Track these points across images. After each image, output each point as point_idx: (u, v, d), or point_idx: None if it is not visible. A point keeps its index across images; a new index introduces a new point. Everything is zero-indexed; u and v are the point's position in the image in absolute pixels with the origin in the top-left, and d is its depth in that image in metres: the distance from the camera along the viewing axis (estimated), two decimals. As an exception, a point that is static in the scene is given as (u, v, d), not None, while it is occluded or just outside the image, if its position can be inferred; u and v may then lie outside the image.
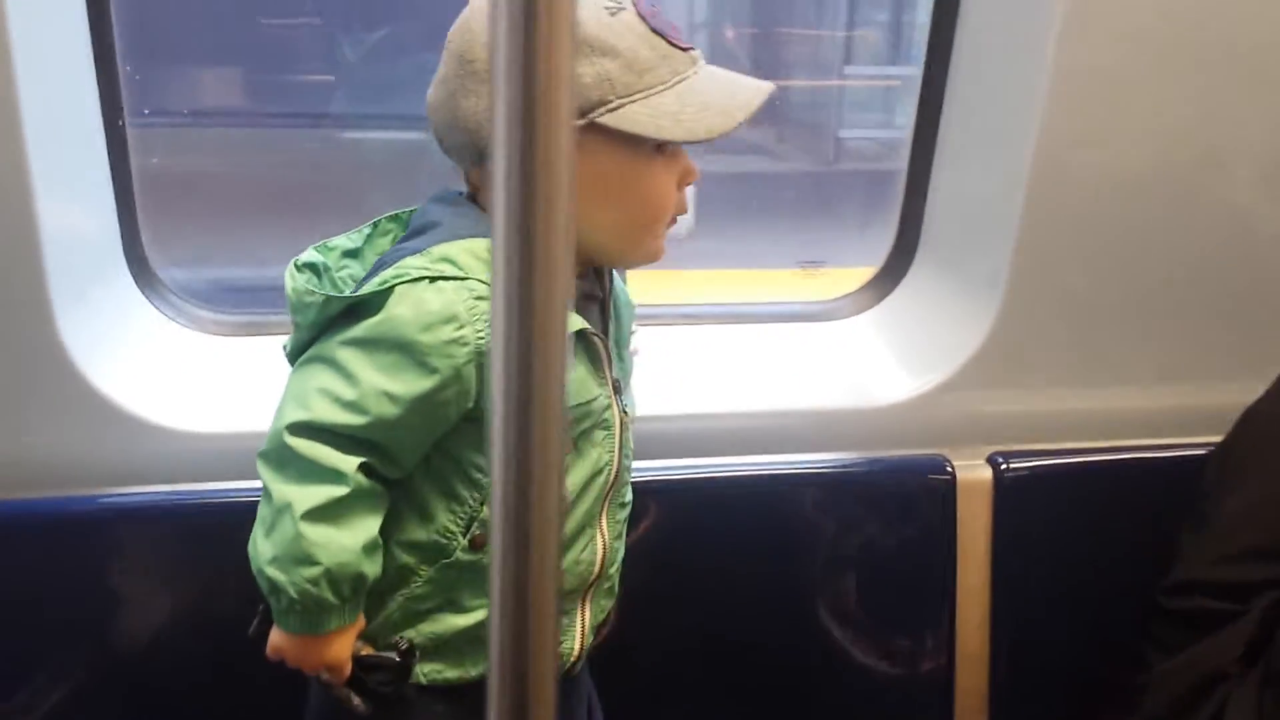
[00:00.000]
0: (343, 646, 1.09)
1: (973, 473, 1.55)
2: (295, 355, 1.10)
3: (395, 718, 1.15)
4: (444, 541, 1.11)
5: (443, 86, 1.09)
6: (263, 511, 1.06)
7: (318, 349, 1.06)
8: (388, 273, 1.04)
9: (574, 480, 1.14)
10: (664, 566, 1.48)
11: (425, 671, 1.15)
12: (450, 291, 1.03)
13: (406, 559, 1.12)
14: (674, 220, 1.15)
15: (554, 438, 0.64)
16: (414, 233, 1.12)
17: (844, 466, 1.56)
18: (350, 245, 1.17)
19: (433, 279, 1.03)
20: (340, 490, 1.03)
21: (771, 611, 1.53)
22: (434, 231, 1.09)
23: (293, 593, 1.03)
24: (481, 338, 1.02)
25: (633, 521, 1.29)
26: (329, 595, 1.04)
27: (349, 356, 1.03)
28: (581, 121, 1.04)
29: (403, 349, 1.02)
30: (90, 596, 1.36)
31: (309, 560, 1.03)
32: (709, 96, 1.07)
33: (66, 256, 1.34)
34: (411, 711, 1.16)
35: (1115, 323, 1.58)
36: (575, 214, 0.61)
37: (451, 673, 1.15)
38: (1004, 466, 1.55)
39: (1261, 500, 1.39)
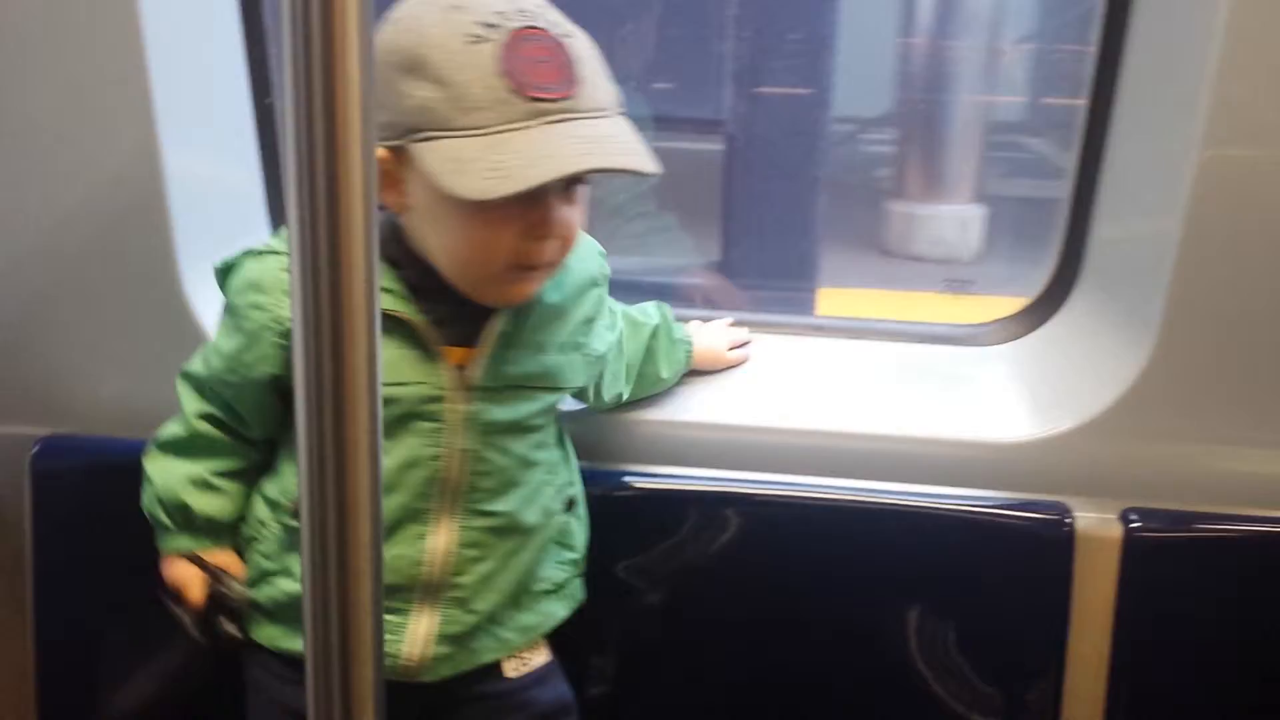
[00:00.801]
0: (182, 571, 1.21)
1: (1099, 528, 1.37)
2: None
3: (249, 680, 1.25)
4: (280, 501, 1.19)
5: None
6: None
7: None
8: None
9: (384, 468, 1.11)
10: (748, 581, 1.42)
11: (265, 636, 1.21)
12: (267, 263, 1.14)
13: (261, 513, 1.22)
14: (529, 266, 1.09)
15: (357, 415, 0.62)
16: None
17: (954, 501, 1.42)
18: None
19: (260, 253, 1.15)
20: (180, 430, 1.22)
21: (854, 644, 1.43)
22: None
23: (145, 509, 1.23)
24: (279, 306, 1.11)
25: (725, 532, 1.37)
26: (161, 516, 1.22)
27: (220, 318, 1.20)
28: (394, 142, 1.03)
29: (229, 311, 1.17)
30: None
31: (149, 481, 1.22)
32: (514, 156, 0.99)
33: (196, 218, 1.44)
34: (261, 674, 1.23)
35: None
36: (372, 193, 0.60)
37: (285, 641, 1.20)
38: (1136, 525, 1.36)
39: None
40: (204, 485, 1.21)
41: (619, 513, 1.39)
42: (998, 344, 1.61)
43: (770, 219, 2.77)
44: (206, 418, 1.20)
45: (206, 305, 1.43)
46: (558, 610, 1.28)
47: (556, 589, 1.27)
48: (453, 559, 1.16)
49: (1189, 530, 1.37)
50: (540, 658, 1.27)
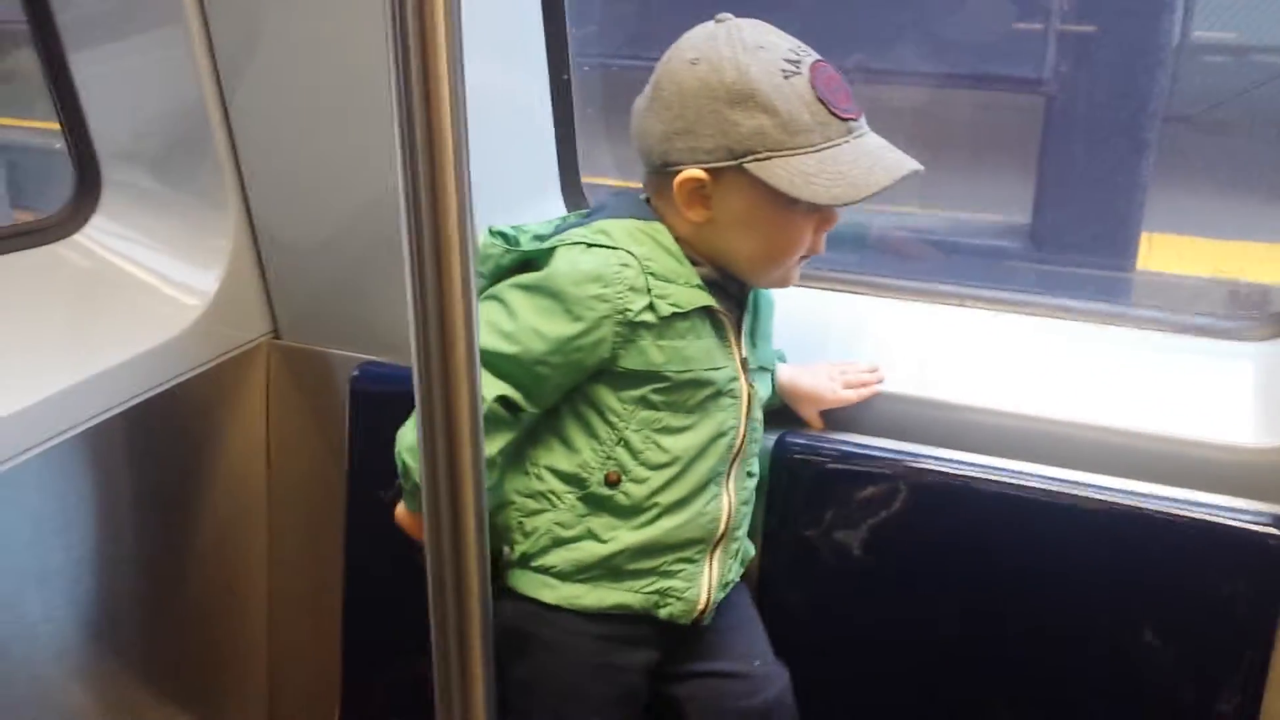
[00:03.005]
0: (412, 521, 1.35)
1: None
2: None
3: (535, 631, 1.33)
4: (584, 475, 1.29)
5: (641, 100, 1.28)
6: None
7: (493, 290, 1.29)
8: (555, 238, 1.27)
9: (698, 439, 1.29)
10: (945, 560, 1.48)
11: (564, 596, 1.31)
12: (601, 256, 1.24)
13: (553, 484, 1.31)
14: (806, 256, 1.31)
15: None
16: (587, 217, 1.33)
17: (1168, 504, 1.39)
18: (540, 231, 1.36)
19: (589, 245, 1.26)
20: None
21: (1048, 640, 1.45)
22: (600, 213, 1.31)
23: (415, 478, 1.26)
24: (621, 299, 1.22)
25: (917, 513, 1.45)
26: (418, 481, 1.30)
27: (514, 297, 1.27)
28: (732, 163, 1.22)
29: (555, 298, 1.24)
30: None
31: (411, 450, 1.27)
32: (848, 166, 1.21)
33: (495, 175, 1.66)
34: (555, 634, 1.32)
35: None
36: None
37: (588, 599, 1.31)
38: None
39: None
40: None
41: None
42: (1256, 340, 1.53)
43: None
44: (500, 399, 1.26)
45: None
46: (750, 548, 1.47)
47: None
48: (734, 514, 1.36)
49: None
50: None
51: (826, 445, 1.52)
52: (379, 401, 1.72)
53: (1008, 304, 1.66)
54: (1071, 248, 2.64)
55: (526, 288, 1.27)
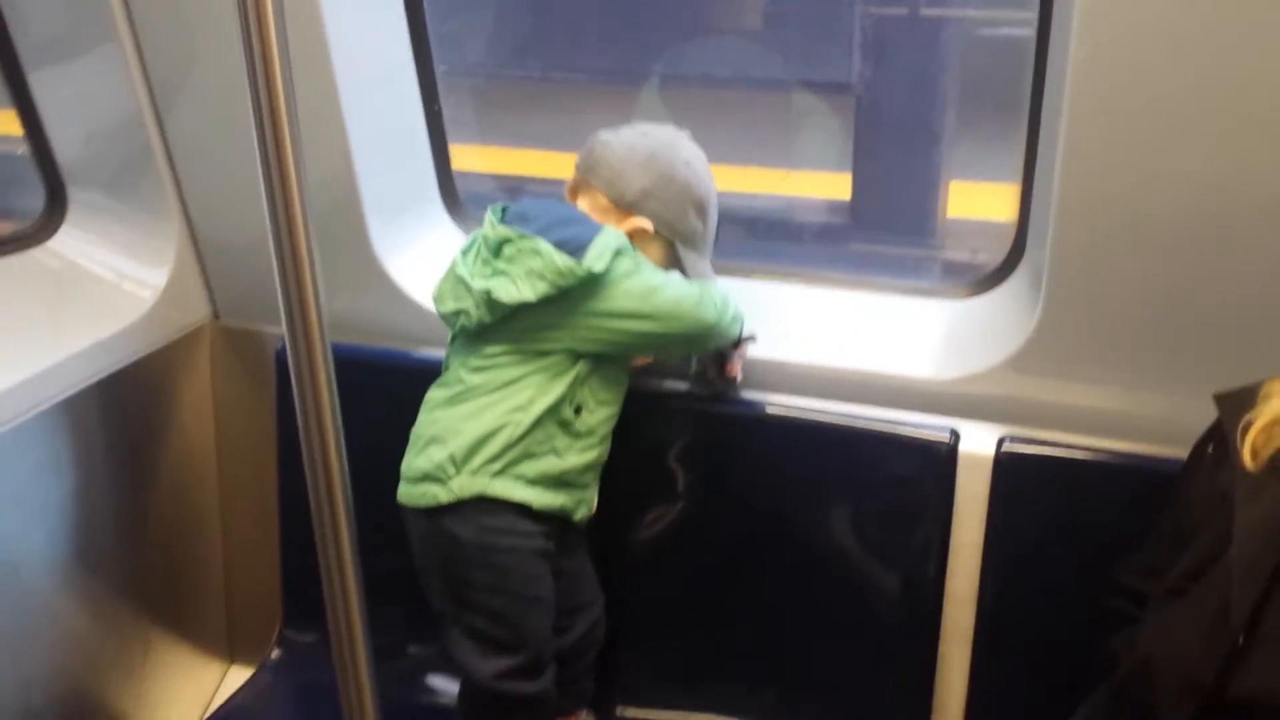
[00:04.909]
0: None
1: (980, 448, 1.85)
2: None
3: (495, 542, 1.76)
4: (556, 405, 1.77)
5: (631, 152, 1.84)
6: (710, 308, 1.81)
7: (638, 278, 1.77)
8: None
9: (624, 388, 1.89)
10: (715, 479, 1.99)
11: (525, 496, 1.75)
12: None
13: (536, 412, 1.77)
14: None
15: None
16: (567, 221, 1.78)
17: (871, 421, 1.91)
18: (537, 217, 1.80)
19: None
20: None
21: (785, 531, 1.97)
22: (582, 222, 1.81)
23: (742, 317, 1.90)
24: None
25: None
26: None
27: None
28: (669, 236, 1.86)
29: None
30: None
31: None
32: (704, 269, 1.91)
33: (381, 191, 2.12)
34: (510, 537, 1.76)
35: (1156, 326, 1.72)
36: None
37: (540, 502, 1.77)
38: (1007, 449, 1.82)
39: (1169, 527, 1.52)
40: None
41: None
42: (955, 299, 2.04)
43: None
44: None
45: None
46: None
47: None
48: None
49: (1047, 449, 1.82)
50: None
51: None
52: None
53: (780, 275, 2.16)
54: (883, 217, 3.17)
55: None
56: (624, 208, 1.83)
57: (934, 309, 2.06)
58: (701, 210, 1.87)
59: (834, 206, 3.30)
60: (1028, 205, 1.91)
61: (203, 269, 2.32)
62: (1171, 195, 1.59)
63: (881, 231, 3.18)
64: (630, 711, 2.09)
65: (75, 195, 2.29)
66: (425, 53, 2.16)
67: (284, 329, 1.14)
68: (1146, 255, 1.65)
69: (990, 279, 2.02)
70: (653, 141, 1.86)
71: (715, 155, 1.91)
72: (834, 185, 3.33)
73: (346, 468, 1.21)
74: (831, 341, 2.02)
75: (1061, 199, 1.65)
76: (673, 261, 1.86)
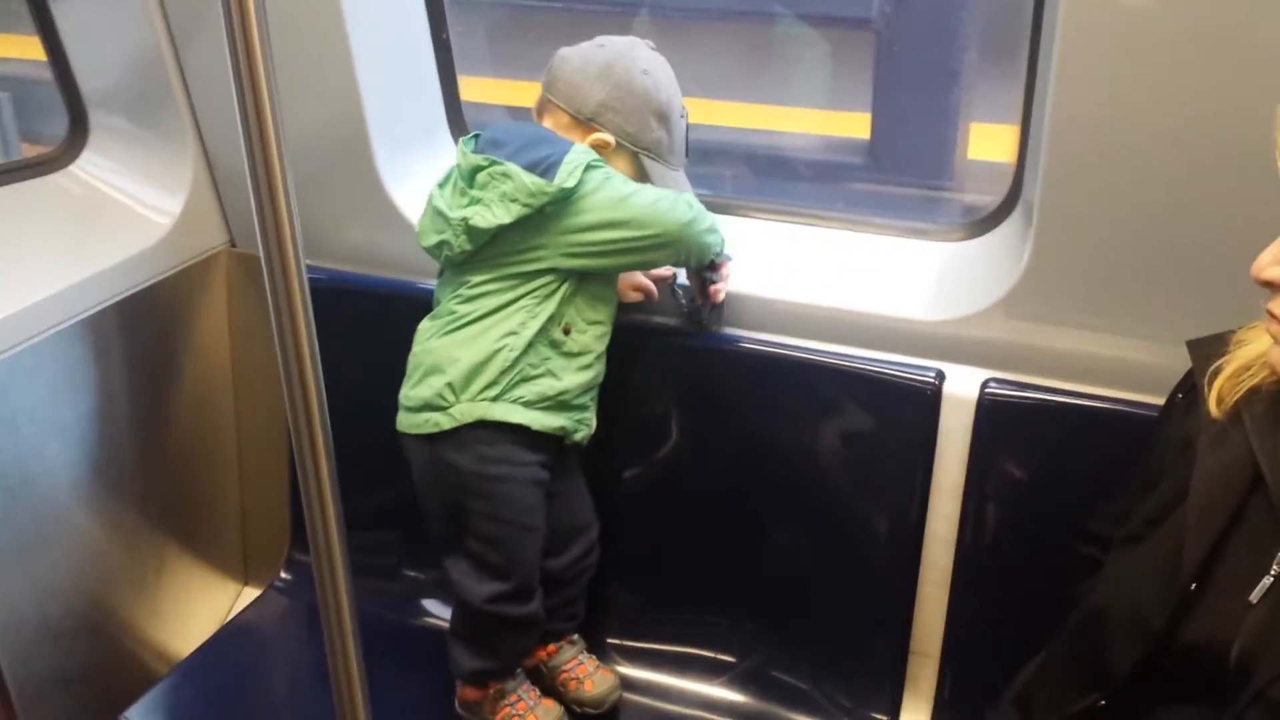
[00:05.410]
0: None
1: (964, 389, 1.87)
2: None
3: (490, 470, 1.81)
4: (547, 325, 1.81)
5: (586, 65, 1.82)
6: (684, 208, 1.81)
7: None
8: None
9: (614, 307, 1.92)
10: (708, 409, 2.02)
11: (526, 417, 1.79)
12: None
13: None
14: None
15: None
16: (538, 142, 1.78)
17: (860, 362, 1.94)
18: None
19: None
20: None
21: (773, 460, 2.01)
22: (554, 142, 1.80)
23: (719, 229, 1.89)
24: None
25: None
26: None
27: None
28: (631, 148, 1.86)
29: None
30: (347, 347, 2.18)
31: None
32: (671, 182, 1.89)
33: (388, 121, 2.15)
34: (506, 465, 1.82)
35: (1143, 272, 1.72)
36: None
37: (539, 424, 1.81)
38: (991, 390, 1.84)
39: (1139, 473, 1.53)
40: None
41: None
42: (950, 242, 2.04)
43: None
44: None
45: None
46: None
47: None
48: None
49: (1030, 393, 1.84)
50: None
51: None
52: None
53: (781, 213, 2.17)
54: (903, 158, 3.14)
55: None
56: (584, 122, 1.83)
57: (930, 251, 2.06)
58: (663, 119, 1.84)
59: (852, 145, 3.28)
60: (1024, 149, 1.90)
61: (218, 197, 2.37)
62: (1161, 137, 1.59)
63: (900, 174, 3.16)
64: (616, 640, 2.16)
65: (96, 122, 2.35)
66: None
67: (260, 252, 1.15)
68: (1135, 199, 1.65)
69: (986, 222, 2.02)
70: (609, 52, 1.84)
71: (735, 92, 1.94)
72: (852, 124, 3.29)
73: (324, 393, 1.23)
74: (824, 282, 2.03)
75: (1052, 141, 1.65)
76: (642, 174, 1.86)
